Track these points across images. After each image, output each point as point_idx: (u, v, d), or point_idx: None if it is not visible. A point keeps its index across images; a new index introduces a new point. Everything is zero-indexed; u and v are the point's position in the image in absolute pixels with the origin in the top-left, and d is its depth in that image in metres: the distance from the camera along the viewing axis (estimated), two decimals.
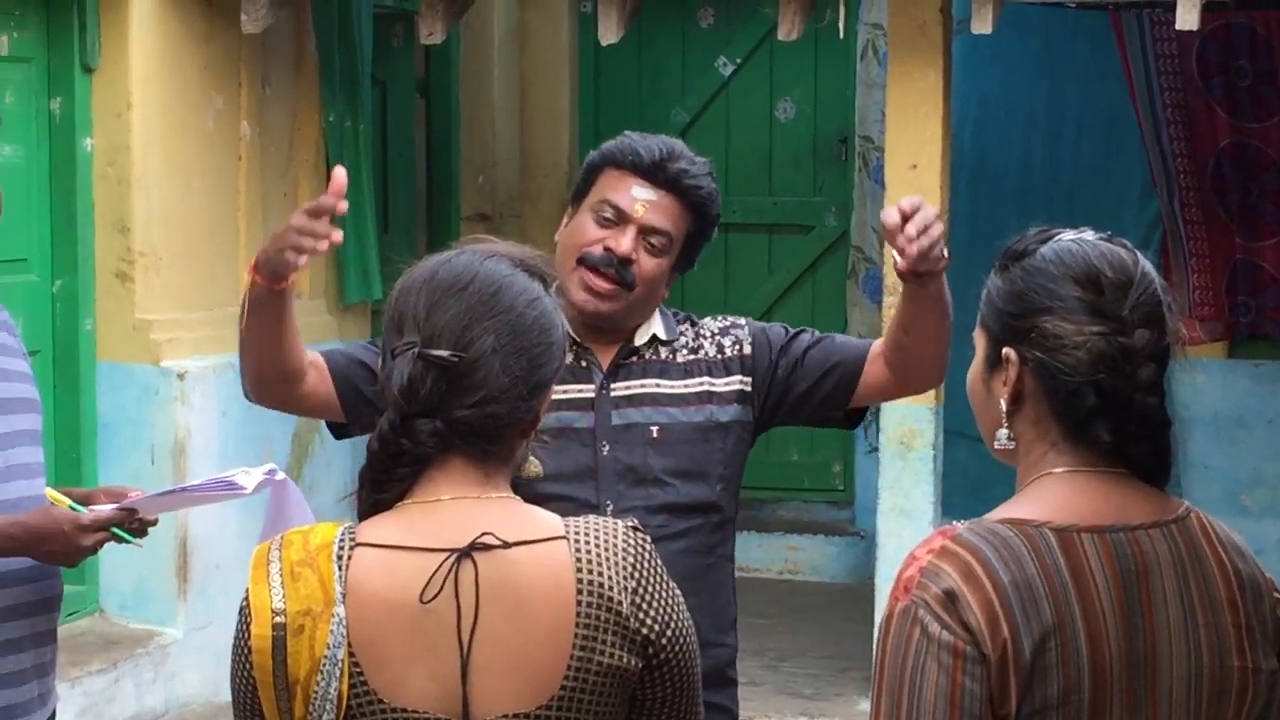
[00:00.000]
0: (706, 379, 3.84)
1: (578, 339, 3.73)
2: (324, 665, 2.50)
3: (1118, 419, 2.43)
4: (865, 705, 7.70)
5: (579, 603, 2.53)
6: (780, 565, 9.86)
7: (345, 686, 2.51)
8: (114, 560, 7.38)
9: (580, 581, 2.54)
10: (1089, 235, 2.51)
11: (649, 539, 2.64)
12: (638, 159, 3.75)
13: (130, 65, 7.52)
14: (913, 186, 7.69)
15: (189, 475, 7.18)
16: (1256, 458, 9.24)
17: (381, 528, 2.56)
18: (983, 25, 7.34)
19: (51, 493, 4.04)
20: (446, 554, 2.51)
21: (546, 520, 2.61)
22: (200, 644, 7.49)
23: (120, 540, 4.05)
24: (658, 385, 3.81)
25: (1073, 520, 2.41)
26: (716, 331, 3.90)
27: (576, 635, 2.53)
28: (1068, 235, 2.51)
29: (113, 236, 7.56)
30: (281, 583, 2.54)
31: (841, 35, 8.46)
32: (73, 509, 3.97)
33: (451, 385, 2.53)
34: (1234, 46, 9.02)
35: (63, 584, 4.13)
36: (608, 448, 3.75)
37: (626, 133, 3.87)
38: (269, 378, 3.71)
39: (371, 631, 2.52)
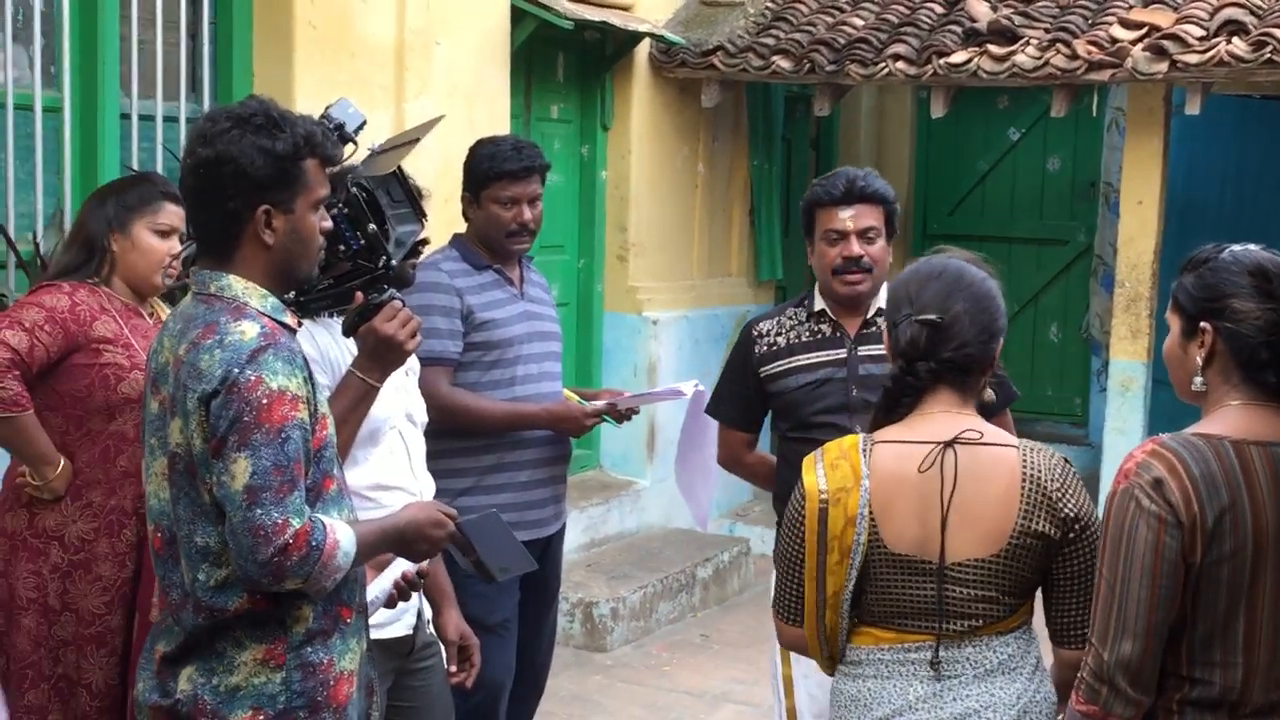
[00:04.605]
0: None
1: (834, 318, 3.66)
2: (857, 521, 2.51)
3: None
4: None
5: (1023, 487, 2.50)
6: None
7: (866, 537, 2.52)
8: (610, 435, 7.53)
9: (1024, 475, 2.50)
10: (1251, 246, 2.42)
11: (1071, 463, 2.60)
12: (832, 196, 3.63)
13: (631, 126, 7.61)
14: (1139, 216, 7.38)
15: (656, 385, 7.27)
16: None
17: (891, 432, 2.59)
18: (1193, 109, 6.98)
19: (568, 391, 4.11)
20: (937, 444, 2.51)
21: (1004, 434, 2.59)
22: (659, 490, 7.58)
23: (609, 424, 4.10)
24: None
25: (1244, 435, 2.32)
26: None
27: (1020, 508, 2.49)
28: (1236, 246, 2.41)
29: (616, 233, 7.67)
30: (824, 473, 2.57)
31: (1094, 114, 8.14)
32: (580, 403, 4.03)
33: (938, 338, 2.53)
34: None
35: (571, 447, 4.20)
36: (855, 390, 3.61)
37: (814, 183, 3.75)
38: None
39: (885, 496, 2.52)
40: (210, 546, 2.39)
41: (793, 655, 3.58)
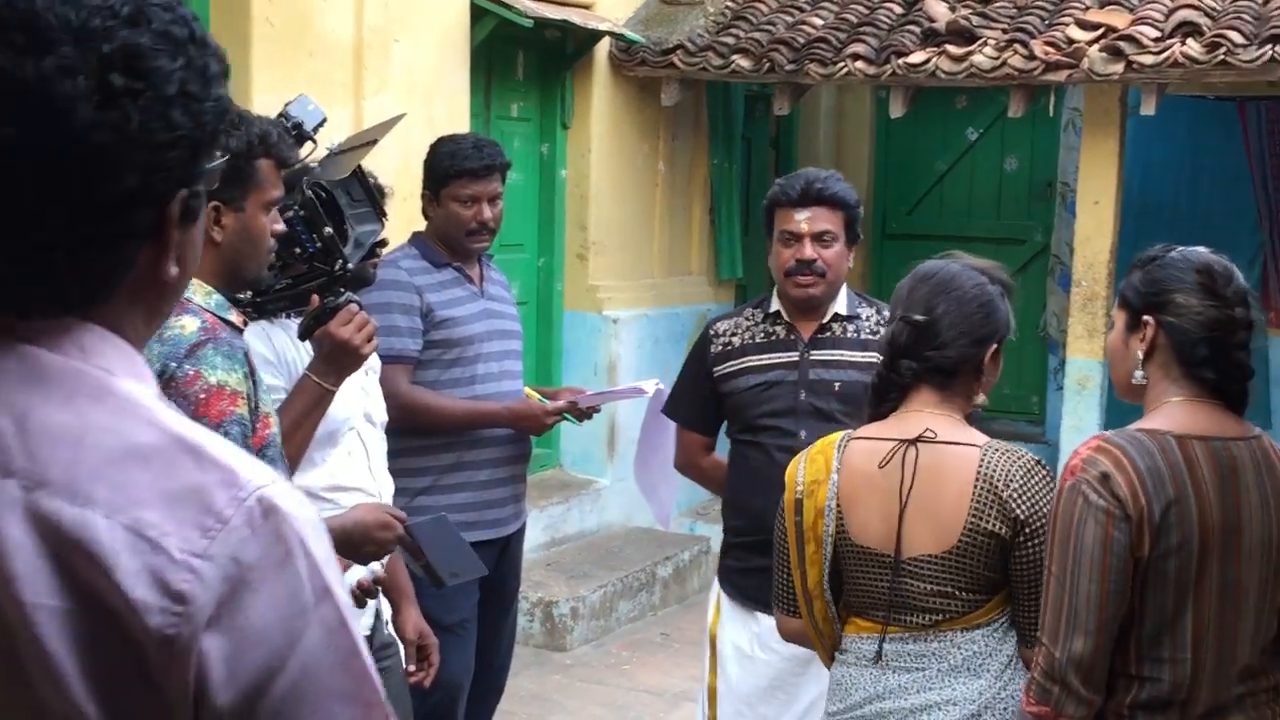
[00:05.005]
0: (876, 354, 3.67)
1: (789, 320, 3.65)
2: (825, 513, 2.64)
3: (1219, 365, 2.38)
4: None
5: (975, 486, 2.55)
6: None
7: (834, 528, 2.64)
8: (570, 434, 7.52)
9: (979, 474, 2.55)
10: (1199, 248, 2.47)
11: (1044, 464, 2.65)
12: (789, 197, 3.62)
13: (591, 125, 7.61)
14: (1095, 215, 7.43)
15: (616, 384, 7.26)
16: None
17: (868, 429, 2.70)
18: (1148, 109, 7.04)
19: (528, 389, 4.10)
20: (898, 441, 2.60)
21: (974, 434, 2.66)
22: (620, 489, 7.57)
23: (570, 422, 4.10)
24: (842, 355, 3.63)
25: (1187, 430, 2.36)
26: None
27: (970, 506, 2.55)
28: (1185, 247, 2.47)
29: (576, 231, 7.67)
30: (804, 466, 2.70)
31: (1051, 114, 8.19)
32: (541, 401, 4.03)
33: (920, 336, 2.61)
34: None
35: (531, 446, 4.19)
36: (804, 394, 3.60)
37: (775, 182, 3.73)
38: None
39: (850, 489, 2.64)
40: None
41: (719, 668, 3.62)
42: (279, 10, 5.42)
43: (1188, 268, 2.40)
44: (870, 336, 3.64)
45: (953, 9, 7.53)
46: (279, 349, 3.00)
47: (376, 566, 2.91)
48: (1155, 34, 6.82)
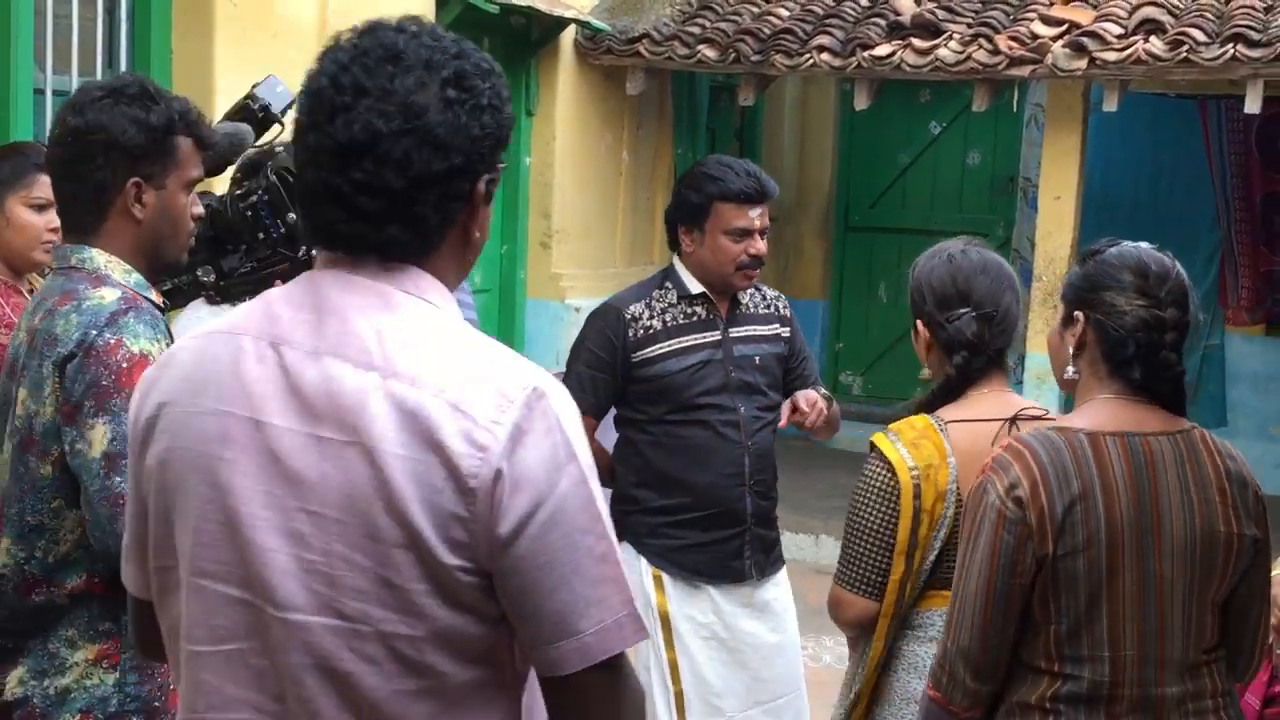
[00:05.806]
0: (777, 325, 3.85)
1: (712, 299, 3.76)
2: (946, 495, 2.71)
3: (1147, 365, 2.37)
4: None
5: None
6: None
7: (953, 511, 2.71)
8: None
9: None
10: (1143, 245, 2.48)
11: None
12: (746, 194, 3.65)
13: (556, 113, 7.59)
14: (1056, 211, 7.47)
15: None
16: None
17: (955, 412, 2.80)
18: (1110, 106, 7.08)
19: None
20: (1002, 421, 2.75)
21: (1054, 410, 2.89)
22: None
23: None
24: (755, 330, 3.81)
25: (1101, 427, 2.37)
26: (772, 296, 3.91)
27: None
28: (1128, 244, 2.48)
29: (539, 219, 7.65)
30: (907, 451, 2.74)
31: (1014, 109, 8.24)
32: None
33: (994, 328, 2.79)
34: None
35: None
36: (733, 371, 3.73)
37: (703, 173, 3.71)
38: None
39: (967, 472, 2.70)
40: (45, 524, 2.29)
41: (677, 643, 3.68)
42: None
43: (1122, 266, 2.40)
44: (766, 310, 3.84)
45: (918, 2, 7.54)
46: None
47: None
48: (1118, 31, 6.86)
